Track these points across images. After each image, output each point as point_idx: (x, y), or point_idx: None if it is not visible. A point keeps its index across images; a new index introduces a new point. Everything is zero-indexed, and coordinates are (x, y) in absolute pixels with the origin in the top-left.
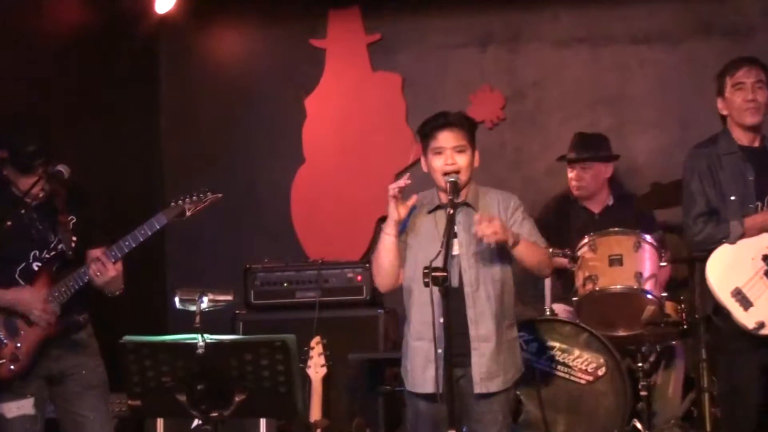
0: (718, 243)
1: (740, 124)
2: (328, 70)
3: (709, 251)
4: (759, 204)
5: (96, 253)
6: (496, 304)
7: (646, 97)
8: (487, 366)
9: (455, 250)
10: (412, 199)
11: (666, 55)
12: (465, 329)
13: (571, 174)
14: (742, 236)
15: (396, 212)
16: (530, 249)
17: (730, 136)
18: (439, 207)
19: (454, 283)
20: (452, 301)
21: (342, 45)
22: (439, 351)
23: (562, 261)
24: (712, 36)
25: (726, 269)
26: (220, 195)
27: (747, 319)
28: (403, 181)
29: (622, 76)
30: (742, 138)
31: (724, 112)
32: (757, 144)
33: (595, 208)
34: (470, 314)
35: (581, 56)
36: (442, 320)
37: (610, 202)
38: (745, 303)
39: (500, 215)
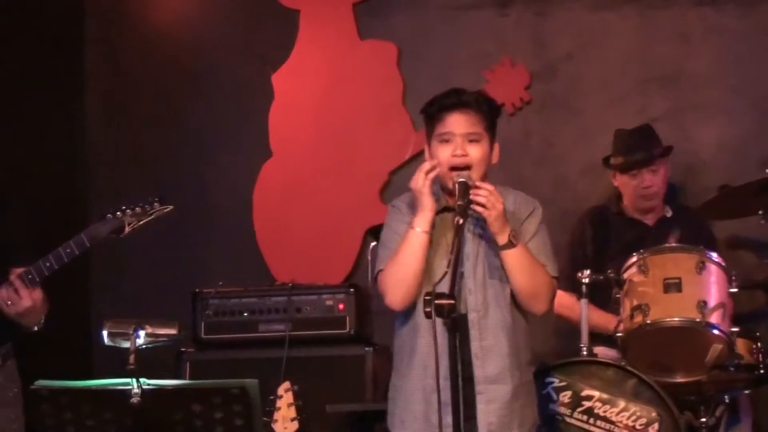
0: None
1: None
2: (302, 39)
3: None
4: None
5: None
6: (511, 335)
7: (712, 74)
8: (498, 415)
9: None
10: (434, 172)
11: (738, 21)
12: (470, 368)
13: (634, 181)
14: None
15: (430, 199)
16: (529, 263)
17: None
18: (446, 209)
19: (459, 308)
20: (455, 331)
21: (321, 5)
22: (445, 403)
23: (603, 322)
24: None
25: None
26: (170, 207)
27: None
28: (434, 163)
29: (682, 47)
30: None
31: None
32: None
33: (650, 220)
34: (475, 348)
35: (629, 22)
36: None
37: (668, 213)
38: None
39: (513, 221)
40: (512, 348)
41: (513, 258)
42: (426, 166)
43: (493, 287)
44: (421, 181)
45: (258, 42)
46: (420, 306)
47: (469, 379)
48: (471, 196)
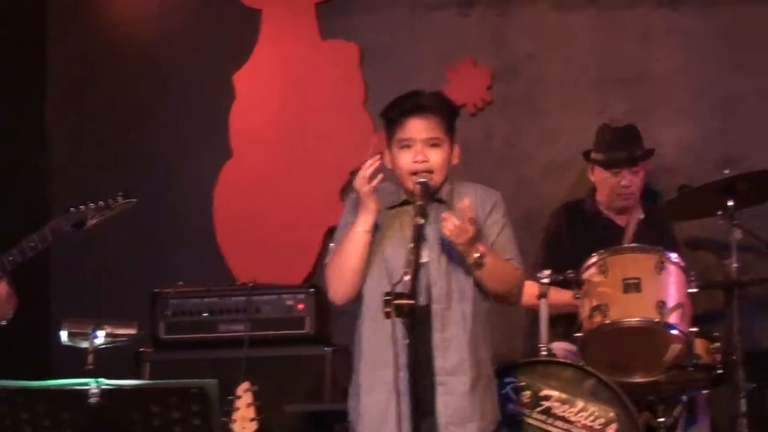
0: None
1: None
2: (263, 38)
3: None
4: None
5: None
6: (472, 327)
7: (674, 76)
8: (458, 407)
9: (423, 258)
10: (378, 179)
11: (699, 23)
12: (429, 359)
13: (614, 179)
14: None
15: (373, 201)
16: (500, 270)
17: None
18: (405, 202)
19: (421, 300)
20: (416, 322)
21: (283, 4)
22: (404, 395)
23: (565, 298)
24: None
25: None
26: (133, 200)
27: None
28: (375, 160)
29: (643, 48)
30: None
31: None
32: None
33: (623, 221)
34: (437, 339)
35: (591, 23)
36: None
37: (641, 215)
38: None
39: (477, 215)
40: (473, 340)
41: (486, 271)
42: (368, 170)
43: (457, 279)
44: (365, 187)
45: (220, 41)
46: (379, 303)
47: (429, 371)
48: (441, 227)
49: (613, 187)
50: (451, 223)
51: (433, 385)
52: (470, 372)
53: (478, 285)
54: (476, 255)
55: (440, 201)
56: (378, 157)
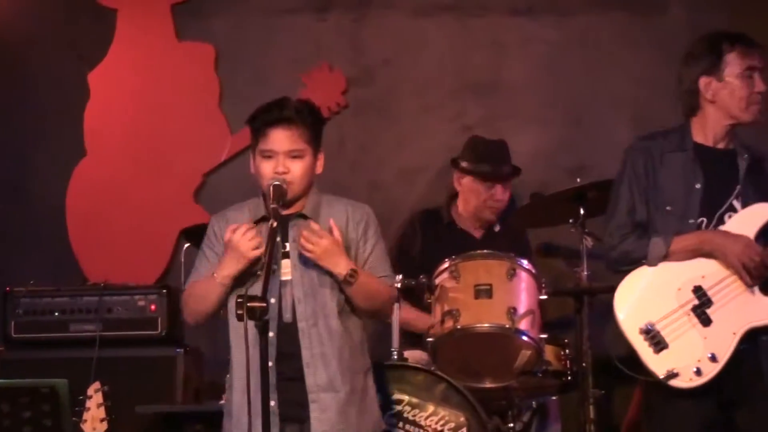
0: (636, 263)
1: (733, 118)
2: (119, 38)
3: (625, 273)
4: (703, 220)
5: None
6: (341, 342)
7: (526, 83)
8: (332, 423)
9: (286, 275)
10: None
11: (553, 32)
12: (301, 374)
13: (486, 192)
14: (665, 258)
15: (245, 263)
16: (371, 288)
17: (687, 130)
18: (264, 218)
19: (287, 317)
20: (285, 340)
21: (139, 5)
22: (272, 403)
23: (415, 320)
24: (611, 8)
25: (640, 299)
26: None
27: (656, 364)
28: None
29: (498, 56)
30: (706, 135)
31: (709, 96)
32: (722, 146)
33: (477, 232)
34: (306, 357)
35: (446, 29)
36: (271, 364)
37: (497, 227)
38: (658, 344)
39: (349, 233)
40: (343, 356)
41: (356, 290)
42: (253, 242)
43: (322, 296)
44: (251, 253)
45: (75, 40)
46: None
47: (302, 389)
48: (299, 245)
49: (485, 200)
50: (307, 242)
51: (306, 400)
52: (342, 388)
53: (347, 301)
54: (344, 273)
55: (303, 216)
56: (252, 226)
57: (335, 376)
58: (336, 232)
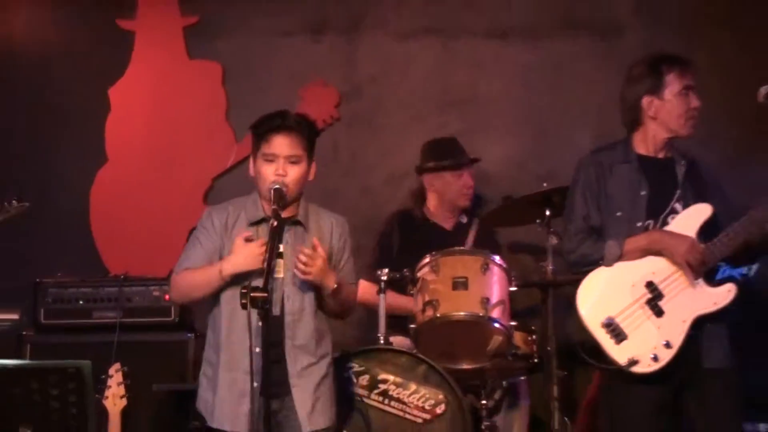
0: (594, 264)
1: (672, 132)
2: (136, 56)
3: (585, 273)
4: (650, 222)
5: None
6: (317, 336)
7: (501, 99)
8: (312, 401)
9: (279, 273)
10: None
11: (525, 53)
12: (283, 359)
13: (458, 181)
14: (620, 258)
15: (256, 265)
16: (348, 296)
17: (629, 143)
18: (264, 220)
19: (275, 310)
20: (271, 331)
21: (154, 27)
22: (256, 385)
23: (402, 303)
24: (577, 33)
25: (600, 296)
26: (26, 204)
27: (618, 354)
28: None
29: (475, 74)
30: (647, 147)
31: (651, 114)
32: (661, 155)
33: (447, 224)
34: (288, 347)
35: (429, 50)
36: (258, 350)
37: (464, 219)
38: (618, 335)
39: (332, 243)
40: (320, 347)
41: (335, 298)
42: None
43: (309, 294)
44: (257, 261)
45: (97, 59)
46: (237, 301)
47: (283, 365)
48: (300, 271)
49: (459, 188)
50: (299, 262)
51: (287, 379)
52: (317, 372)
53: (319, 303)
54: (333, 287)
55: (298, 223)
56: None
57: (310, 364)
58: (320, 250)
